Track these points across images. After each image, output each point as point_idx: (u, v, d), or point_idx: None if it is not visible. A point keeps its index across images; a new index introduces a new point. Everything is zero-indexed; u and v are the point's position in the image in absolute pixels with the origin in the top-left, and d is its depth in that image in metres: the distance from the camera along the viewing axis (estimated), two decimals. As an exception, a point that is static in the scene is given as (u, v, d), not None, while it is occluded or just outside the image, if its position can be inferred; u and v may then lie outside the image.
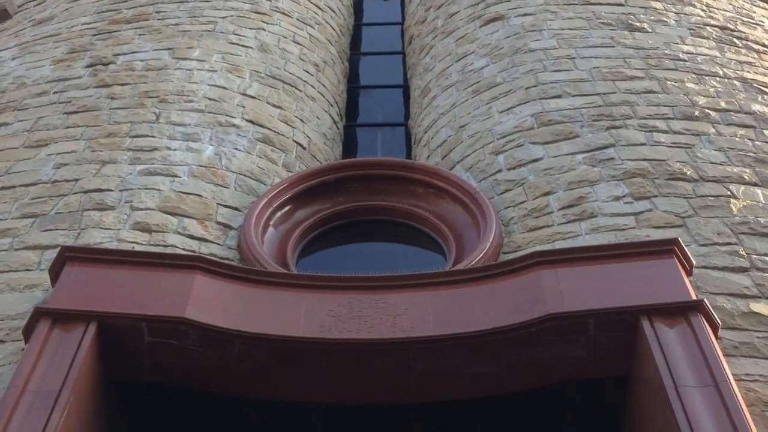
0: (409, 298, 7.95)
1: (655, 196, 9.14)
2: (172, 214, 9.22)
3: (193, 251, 8.82)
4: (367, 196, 10.09)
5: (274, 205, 9.73)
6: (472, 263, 8.73)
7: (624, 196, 9.16)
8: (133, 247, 8.67)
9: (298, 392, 7.73)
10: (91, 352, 7.31)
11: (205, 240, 9.03)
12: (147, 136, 10.33)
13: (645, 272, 7.75)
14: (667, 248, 7.97)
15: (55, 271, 7.95)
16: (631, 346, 7.43)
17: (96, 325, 7.40)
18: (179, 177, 9.73)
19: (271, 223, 9.66)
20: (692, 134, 10.08)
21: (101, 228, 8.90)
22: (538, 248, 8.75)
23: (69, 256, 7.99)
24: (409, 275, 8.18)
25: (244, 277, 8.10)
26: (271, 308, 7.83)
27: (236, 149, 10.42)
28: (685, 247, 8.02)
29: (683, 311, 7.35)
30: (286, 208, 9.86)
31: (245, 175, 10.09)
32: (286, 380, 7.66)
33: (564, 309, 7.46)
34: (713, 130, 10.15)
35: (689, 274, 7.96)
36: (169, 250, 8.75)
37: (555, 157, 9.92)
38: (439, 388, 7.70)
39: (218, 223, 9.29)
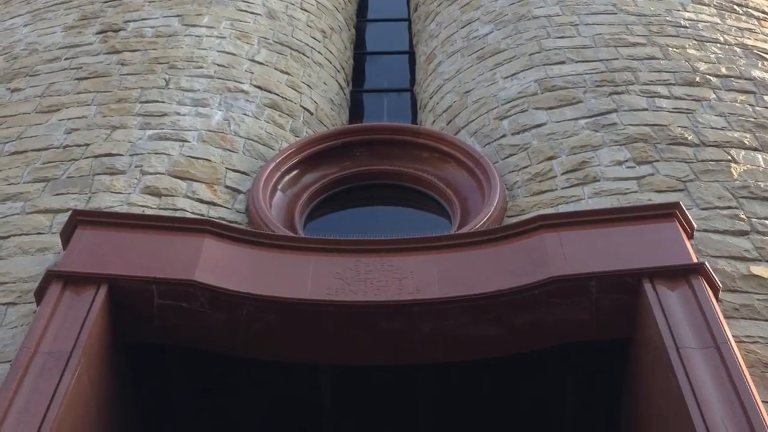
0: (415, 261, 7.80)
1: (657, 160, 8.96)
2: (181, 178, 9.06)
3: (202, 215, 8.66)
4: (374, 160, 9.91)
5: (282, 170, 9.57)
6: (477, 227, 8.57)
7: (626, 161, 8.98)
8: (143, 211, 8.52)
9: (305, 353, 7.60)
10: (102, 314, 7.18)
11: (214, 204, 8.87)
12: (157, 101, 10.15)
13: (647, 236, 7.59)
14: (668, 212, 7.80)
15: (66, 235, 7.80)
16: (633, 308, 7.28)
17: (107, 288, 7.26)
18: (188, 142, 9.56)
19: (279, 187, 9.49)
20: (693, 100, 9.89)
21: (112, 192, 8.74)
22: (542, 212, 8.60)
23: (80, 220, 7.84)
24: (415, 239, 8.01)
25: (252, 241, 7.95)
26: (279, 271, 7.69)
27: (245, 115, 10.24)
28: (686, 211, 7.85)
29: (684, 274, 7.19)
30: (294, 173, 9.70)
31: (253, 140, 9.92)
32: (294, 342, 7.53)
33: (567, 272, 7.31)
34: (714, 96, 9.95)
35: (690, 237, 7.80)
36: (178, 214, 8.59)
37: (558, 122, 9.73)
38: (444, 350, 7.56)
39: (227, 187, 9.13)
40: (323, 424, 8.02)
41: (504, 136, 9.85)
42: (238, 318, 7.43)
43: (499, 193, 8.92)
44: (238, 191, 9.18)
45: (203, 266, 7.52)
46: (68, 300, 7.17)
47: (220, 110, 10.16)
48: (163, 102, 10.14)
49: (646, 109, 9.70)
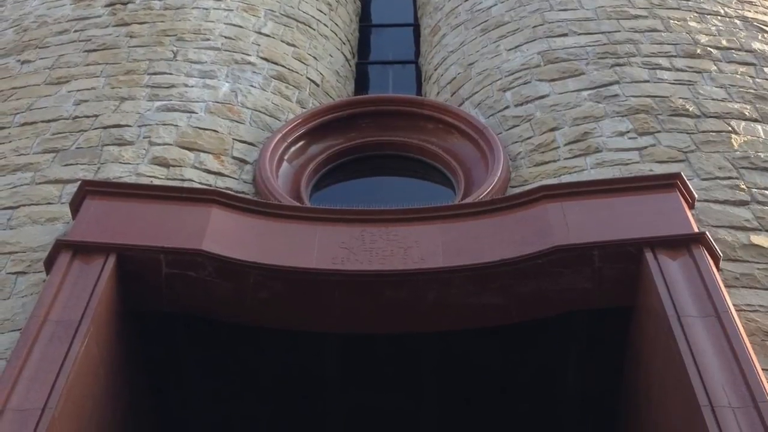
0: (420, 230, 7.67)
1: (659, 131, 8.80)
2: (189, 149, 8.92)
3: (210, 185, 8.53)
4: (379, 131, 9.76)
5: (288, 141, 9.42)
6: (480, 197, 8.43)
7: (628, 132, 8.82)
8: (152, 181, 8.39)
9: (311, 322, 7.49)
10: (111, 282, 7.07)
11: (221, 174, 8.74)
12: (165, 73, 9.99)
13: (649, 206, 7.45)
14: (670, 182, 7.66)
15: (75, 205, 7.68)
16: (635, 277, 7.15)
17: (115, 257, 7.14)
18: (196, 113, 9.41)
19: (286, 157, 9.35)
20: (694, 72, 9.71)
21: (120, 162, 8.61)
22: (545, 182, 8.45)
23: (89, 190, 7.72)
24: (420, 208, 7.88)
25: (259, 210, 7.82)
26: (285, 240, 7.57)
27: (251, 86, 10.08)
28: (687, 181, 7.71)
29: (686, 243, 7.06)
30: (300, 144, 9.55)
31: (260, 112, 9.77)
32: (300, 310, 7.42)
33: (570, 241, 7.18)
34: (715, 68, 9.77)
35: (691, 207, 7.66)
36: (186, 184, 8.46)
37: (561, 93, 9.56)
38: (449, 318, 7.45)
39: (234, 157, 8.99)
40: (328, 392, 7.93)
41: (507, 107, 9.68)
42: (245, 287, 7.32)
43: (502, 164, 8.77)
44: (245, 162, 9.04)
45: (211, 236, 7.39)
46: (77, 269, 7.06)
47: (227, 82, 10.00)
48: (170, 74, 9.98)
49: (647, 81, 9.52)
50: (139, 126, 9.11)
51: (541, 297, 7.32)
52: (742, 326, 6.57)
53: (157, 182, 8.43)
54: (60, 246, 7.15)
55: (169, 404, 7.74)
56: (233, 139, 9.22)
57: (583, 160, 8.62)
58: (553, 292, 7.29)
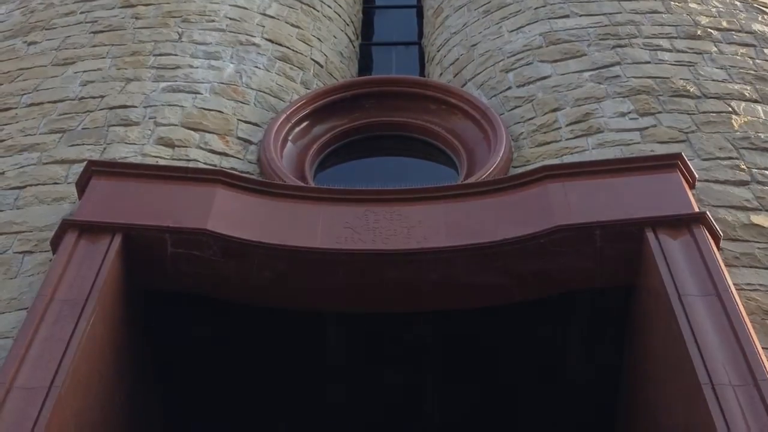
0: (423, 210, 7.58)
1: (660, 112, 8.69)
2: (194, 129, 8.83)
3: (215, 165, 8.44)
4: (382, 112, 9.66)
5: (293, 121, 9.32)
6: (483, 177, 8.33)
7: (629, 113, 8.71)
8: (157, 161, 8.30)
9: (314, 301, 7.41)
10: (117, 262, 6.99)
11: (226, 155, 8.64)
12: (170, 54, 9.87)
13: (650, 186, 7.36)
14: (671, 162, 7.56)
15: (81, 185, 7.60)
16: (636, 256, 7.06)
17: (121, 237, 7.06)
18: (201, 94, 9.31)
19: (290, 138, 9.26)
20: (695, 53, 9.58)
21: (126, 143, 8.52)
22: (547, 162, 8.36)
23: (95, 170, 7.63)
24: (423, 188, 7.80)
25: (263, 191, 7.73)
26: (289, 220, 7.48)
27: (256, 67, 9.97)
28: (688, 162, 7.61)
29: (686, 223, 6.97)
30: (304, 124, 9.45)
31: (264, 92, 9.66)
32: (304, 289, 7.34)
33: (571, 221, 7.10)
34: (715, 49, 9.65)
35: (692, 187, 7.56)
36: (191, 165, 8.36)
37: (563, 74, 9.45)
38: (452, 298, 7.37)
39: (239, 138, 8.89)
40: (332, 370, 7.87)
41: (509, 88, 9.57)
42: (249, 266, 7.24)
43: (504, 144, 8.67)
44: (250, 142, 8.94)
45: (216, 215, 7.31)
46: (83, 249, 6.98)
47: (231, 63, 9.89)
48: (176, 55, 9.87)
49: (648, 62, 9.40)
50: (144, 107, 9.00)
51: (543, 276, 7.24)
52: (742, 305, 6.48)
53: (162, 162, 8.34)
54: (66, 226, 7.07)
55: (174, 385, 7.68)
56: (238, 119, 9.12)
57: (584, 140, 8.52)
58: (555, 271, 7.21)
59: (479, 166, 8.72)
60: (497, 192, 7.65)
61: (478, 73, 10.08)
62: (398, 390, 7.99)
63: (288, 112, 9.29)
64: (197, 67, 9.69)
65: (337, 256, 7.23)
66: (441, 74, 10.70)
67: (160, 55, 9.85)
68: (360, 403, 7.99)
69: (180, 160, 8.40)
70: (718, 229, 7.06)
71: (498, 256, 7.18)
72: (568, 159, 8.35)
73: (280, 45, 10.51)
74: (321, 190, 7.86)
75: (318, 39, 11.06)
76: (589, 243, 7.10)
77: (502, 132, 8.81)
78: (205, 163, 8.44)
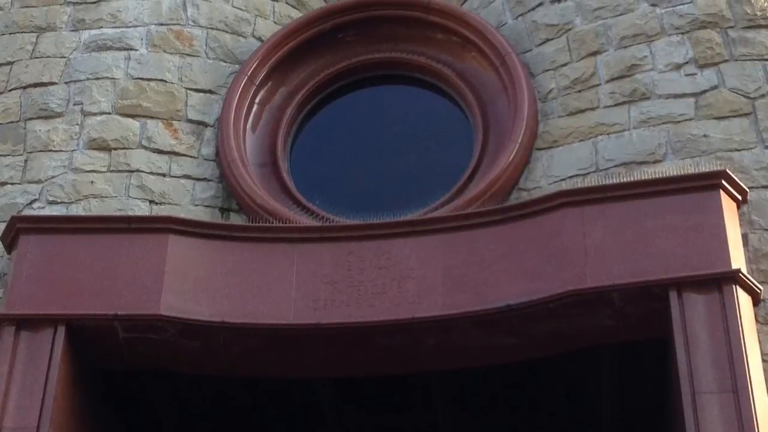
0: (416, 249, 11.36)
1: (725, 60, 12.12)
2: (132, 116, 12.60)
3: (163, 174, 12.31)
4: (370, 47, 13.36)
5: (257, 81, 13.10)
6: (501, 167, 12.06)
7: (686, 63, 12.14)
8: (92, 182, 12.18)
9: (296, 370, 11.55)
10: (66, 353, 11.06)
11: (176, 153, 12.43)
12: (88, -24, 13.46)
13: (682, 219, 10.88)
14: (712, 182, 11.12)
15: (7, 242, 11.60)
16: (663, 313, 10.85)
17: (65, 327, 11.14)
18: (135, 50, 12.97)
19: (257, 101, 13.10)
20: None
21: (51, 151, 12.35)
22: (576, 147, 12.03)
23: (22, 228, 11.58)
24: (415, 220, 11.61)
25: (224, 236, 11.66)
26: (257, 277, 11.36)
27: (203, -18, 13.54)
28: (734, 177, 11.08)
29: (717, 283, 10.64)
30: (272, 82, 13.25)
31: (218, 29, 13.27)
32: (281, 361, 11.42)
33: (586, 284, 10.82)
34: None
35: (740, 205, 11.13)
36: (134, 176, 12.24)
37: (609, -15, 12.85)
38: (453, 359, 11.38)
39: (189, 121, 12.66)
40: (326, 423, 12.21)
41: (541, 4, 12.99)
42: (215, 344, 11.28)
43: (526, 118, 12.29)
44: (204, 124, 12.73)
45: (170, 283, 11.25)
46: (26, 344, 11.07)
47: (171, -19, 13.45)
48: (96, -23, 13.47)
49: (726, -44, 12.66)
50: (66, 83, 12.77)
51: (558, 336, 11.15)
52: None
53: (98, 177, 12.22)
54: (2, 320, 11.20)
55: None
56: (186, 88, 12.84)
57: (626, 111, 12.08)
58: (572, 330, 11.12)
59: (494, 141, 12.49)
60: (504, 222, 11.43)
61: (505, -36, 13.55)
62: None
63: (249, 71, 13.03)
64: (126, -2, 13.34)
65: (314, 331, 11.27)
66: (457, -48, 14.14)
67: (75, -22, 13.46)
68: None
69: (120, 170, 12.26)
70: (756, 284, 10.82)
71: (503, 321, 11.10)
72: (602, 140, 11.95)
73: (233, -71, 13.94)
74: (292, 229, 11.77)
75: None
76: (607, 304, 10.90)
77: (524, 95, 12.45)
78: (150, 173, 12.30)
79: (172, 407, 12.07)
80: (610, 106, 12.28)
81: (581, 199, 11.32)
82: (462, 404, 12.19)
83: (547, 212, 11.38)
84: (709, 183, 11.19)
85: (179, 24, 13.25)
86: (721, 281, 10.74)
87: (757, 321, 10.80)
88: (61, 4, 13.31)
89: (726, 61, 12.20)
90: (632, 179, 11.58)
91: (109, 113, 12.69)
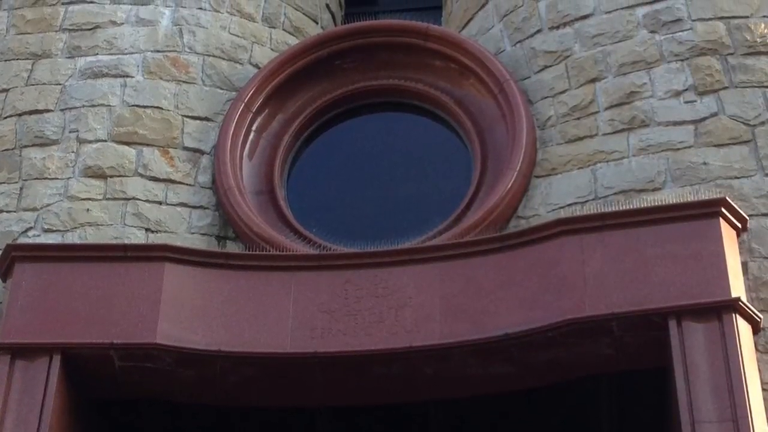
0: (414, 277, 11.52)
1: (725, 87, 12.28)
2: (128, 143, 12.77)
3: (160, 201, 12.47)
4: (368, 73, 13.54)
5: (254, 108, 13.28)
6: (499, 195, 12.21)
7: (686, 90, 12.30)
8: (88, 209, 12.34)
9: (293, 399, 11.69)
10: (61, 383, 11.19)
11: (172, 181, 12.60)
12: (83, 1, 13.60)
13: (681, 248, 11.04)
14: (712, 210, 11.26)
15: (3, 270, 11.75)
16: (662, 341, 11.01)
17: (60, 356, 11.29)
18: (132, 77, 13.14)
19: (254, 129, 13.29)
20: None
21: (47, 179, 12.53)
22: (574, 174, 12.18)
23: (17, 256, 11.74)
24: (413, 248, 11.77)
25: (221, 264, 11.80)
26: (254, 305, 11.50)
27: (200, 9, 13.67)
28: (733, 204, 11.24)
29: (716, 311, 10.80)
30: (269, 109, 13.42)
31: (214, 56, 13.44)
32: (278, 390, 11.56)
33: (584, 313, 10.96)
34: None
35: (740, 233, 11.31)
36: (130, 204, 12.41)
37: (608, 12, 12.98)
38: (452, 389, 11.52)
39: (186, 149, 12.83)
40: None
41: (540, 31, 13.18)
42: (211, 373, 11.43)
43: (525, 143, 12.47)
44: (201, 152, 12.90)
45: (166, 313, 11.40)
46: (21, 373, 11.22)
47: (167, 7, 13.57)
48: (92, 2, 13.59)
49: (726, -17, 12.84)
50: (62, 110, 12.94)
51: (556, 365, 11.30)
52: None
53: (94, 205, 12.39)
54: (-3, 347, 11.35)
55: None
56: (182, 116, 13.01)
57: (624, 139, 12.24)
58: (571, 358, 11.27)
59: (494, 160, 12.64)
60: (502, 250, 11.57)
61: (503, -10, 13.73)
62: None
63: (246, 98, 13.20)
64: (122, 23, 13.47)
65: (311, 360, 11.41)
66: (455, -20, 14.33)
67: (71, 2, 13.61)
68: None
69: (116, 198, 12.42)
70: (756, 313, 10.97)
71: (501, 350, 11.26)
72: (601, 168, 12.11)
73: (230, -43, 14.17)
74: (289, 257, 11.92)
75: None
76: (606, 333, 11.04)
77: (522, 123, 12.61)
78: (147, 201, 12.46)
79: (168, 437, 12.18)
80: (609, 134, 12.43)
81: (580, 228, 11.46)
82: (460, 433, 12.31)
83: (546, 240, 11.52)
84: (708, 211, 11.33)
85: (175, 51, 13.42)
86: (720, 310, 10.87)
87: (757, 350, 10.93)
88: (56, 31, 13.48)
89: (726, 88, 12.36)
90: (631, 207, 11.71)
91: (105, 141, 12.86)
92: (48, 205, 12.47)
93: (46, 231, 12.32)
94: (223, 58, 13.55)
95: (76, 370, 11.38)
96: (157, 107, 13.13)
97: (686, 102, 12.37)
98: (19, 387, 11.19)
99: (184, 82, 13.28)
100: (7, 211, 12.40)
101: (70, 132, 12.89)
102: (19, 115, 13.05)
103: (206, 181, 12.79)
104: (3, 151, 12.83)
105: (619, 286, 11.10)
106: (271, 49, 13.94)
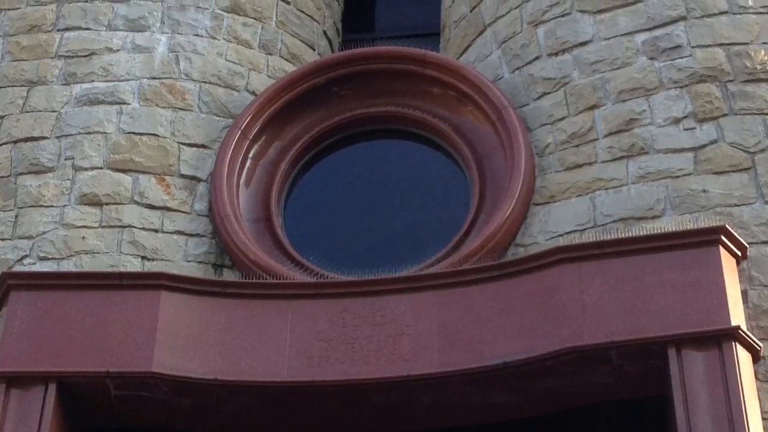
0: (412, 306, 11.64)
1: (725, 114, 12.41)
2: (124, 170, 12.89)
3: (156, 229, 12.59)
4: (365, 101, 13.69)
5: (251, 136, 13.41)
6: (499, 221, 12.33)
7: (685, 117, 12.43)
8: (83, 238, 12.46)
9: (289, 428, 11.77)
10: (57, 412, 11.31)
11: (168, 209, 12.73)
12: (79, 28, 13.75)
13: (680, 276, 11.19)
14: (712, 238, 11.40)
15: (-2, 298, 11.91)
16: (661, 370, 11.14)
17: (56, 385, 11.41)
18: (128, 104, 13.28)
19: (250, 156, 13.40)
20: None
21: (42, 206, 12.64)
22: (573, 202, 12.31)
23: (12, 284, 11.85)
24: (411, 276, 11.90)
25: (217, 292, 11.93)
26: (251, 334, 11.64)
27: (196, 36, 13.81)
28: (733, 232, 11.38)
29: (716, 340, 10.93)
30: (265, 136, 13.56)
31: (211, 83, 13.59)
32: (275, 419, 11.67)
33: (583, 341, 11.08)
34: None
35: (740, 261, 11.45)
36: (126, 232, 12.54)
37: (607, 39, 13.11)
38: (450, 417, 11.64)
39: (182, 176, 12.96)
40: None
41: (538, 57, 13.33)
42: (208, 402, 11.53)
43: (523, 172, 12.58)
44: (197, 179, 13.02)
45: (162, 341, 11.53)
46: (16, 402, 11.34)
47: (164, 34, 13.71)
48: (87, 29, 13.75)
49: (725, 13, 13.00)
50: (57, 137, 13.07)
51: (555, 393, 11.42)
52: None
53: (89, 232, 12.52)
54: (-8, 376, 11.46)
55: None
56: (179, 143, 13.15)
57: (623, 167, 12.36)
58: (569, 387, 11.38)
59: (490, 197, 12.77)
60: (501, 279, 11.69)
61: (500, 17, 13.83)
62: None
63: (242, 125, 13.34)
64: (118, 50, 13.60)
65: (309, 389, 11.52)
66: (452, 4, 14.46)
67: (67, 29, 13.75)
68: None
69: (112, 226, 12.54)
70: (756, 342, 11.08)
71: (499, 379, 11.38)
72: (600, 196, 12.24)
73: (227, -13, 14.35)
74: (287, 285, 12.04)
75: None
76: (605, 362, 11.17)
77: (521, 151, 12.74)
78: (142, 228, 12.58)
79: (164, 466, 12.27)
80: (608, 161, 12.55)
81: (579, 255, 11.58)
82: (459, 463, 12.40)
83: (545, 268, 11.64)
84: (708, 239, 11.46)
85: (172, 78, 13.56)
86: (720, 338, 10.98)
87: (757, 378, 11.03)
88: (52, 58, 13.61)
89: (725, 115, 12.48)
90: (630, 235, 11.81)
91: (101, 168, 12.98)
92: (43, 232, 12.59)
93: (42, 259, 12.44)
94: (220, 85, 13.68)
95: (71, 399, 11.49)
96: (154, 134, 13.25)
97: (686, 129, 12.49)
98: (14, 416, 11.30)
99: (180, 109, 13.40)
100: (3, 239, 12.53)
101: (65, 159, 13.00)
102: (15, 142, 13.18)
103: (203, 209, 12.91)
104: (-1, 179, 12.92)
105: (618, 315, 11.21)
106: (268, 76, 14.05)
